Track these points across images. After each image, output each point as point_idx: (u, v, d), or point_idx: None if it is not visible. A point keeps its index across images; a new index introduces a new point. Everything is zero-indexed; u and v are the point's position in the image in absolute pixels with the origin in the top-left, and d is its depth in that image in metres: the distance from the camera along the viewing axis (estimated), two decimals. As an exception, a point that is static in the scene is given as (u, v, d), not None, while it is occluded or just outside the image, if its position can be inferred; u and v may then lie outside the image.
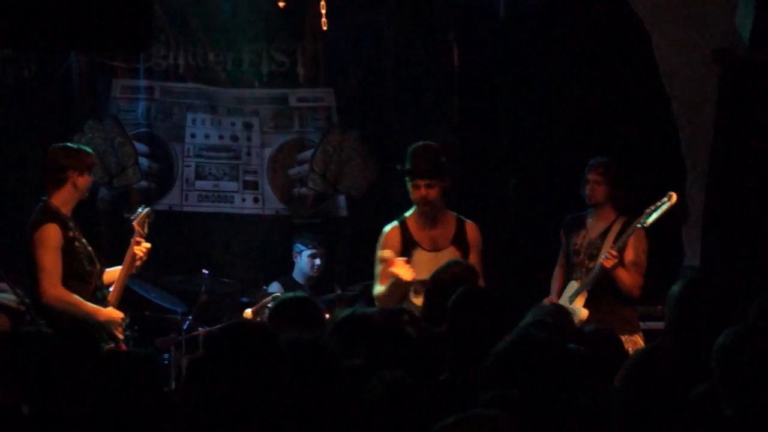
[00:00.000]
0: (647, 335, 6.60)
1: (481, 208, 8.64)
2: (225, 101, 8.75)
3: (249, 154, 8.81)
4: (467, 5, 8.51)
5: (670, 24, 8.04)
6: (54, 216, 5.89)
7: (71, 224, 6.00)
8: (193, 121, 8.72)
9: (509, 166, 8.57)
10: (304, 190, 8.87)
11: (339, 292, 7.78)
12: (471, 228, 6.32)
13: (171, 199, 8.70)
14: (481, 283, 5.65)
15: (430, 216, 6.20)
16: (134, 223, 6.17)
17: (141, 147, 8.64)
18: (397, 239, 6.21)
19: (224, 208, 8.78)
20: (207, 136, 8.74)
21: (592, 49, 8.27)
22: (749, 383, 2.91)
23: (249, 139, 8.80)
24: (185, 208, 8.72)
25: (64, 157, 6.03)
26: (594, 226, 6.61)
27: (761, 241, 7.73)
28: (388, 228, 6.30)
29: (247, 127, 8.80)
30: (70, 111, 8.46)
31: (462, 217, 6.38)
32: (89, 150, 6.27)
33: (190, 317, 7.69)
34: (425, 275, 5.58)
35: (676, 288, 4.22)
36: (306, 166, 8.85)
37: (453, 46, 8.61)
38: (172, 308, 7.86)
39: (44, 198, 6.02)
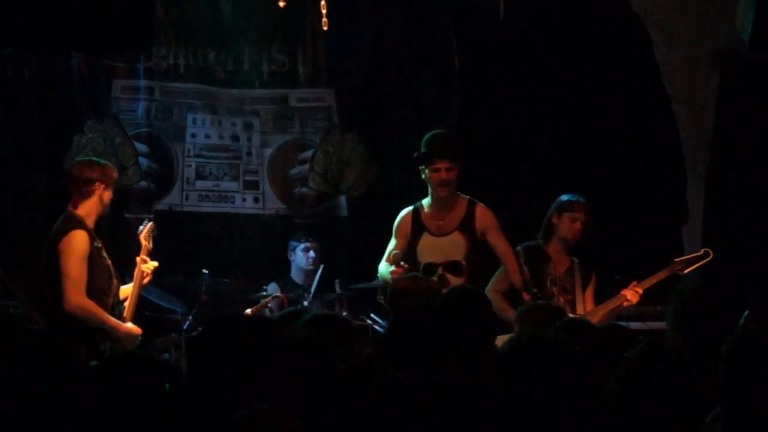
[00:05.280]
0: (647, 336, 6.59)
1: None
2: (225, 101, 8.75)
3: (249, 154, 8.81)
4: (467, 5, 8.51)
5: (670, 24, 8.04)
6: (80, 224, 5.85)
7: (96, 236, 5.98)
8: (194, 121, 8.72)
9: (509, 166, 8.56)
10: (304, 190, 8.87)
11: (339, 292, 7.76)
12: (480, 211, 6.58)
13: (171, 199, 8.69)
14: (514, 266, 6.22)
15: (443, 201, 6.52)
16: (141, 237, 6.14)
17: (141, 147, 8.63)
18: (408, 224, 6.64)
19: (224, 208, 8.78)
20: (207, 136, 8.74)
21: (592, 49, 8.27)
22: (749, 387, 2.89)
23: (249, 139, 8.80)
24: (185, 208, 8.72)
25: (91, 170, 5.99)
26: (559, 261, 6.63)
27: (761, 241, 7.73)
28: (403, 213, 6.69)
29: (248, 127, 8.80)
30: (70, 111, 8.45)
31: (474, 201, 6.67)
32: (113, 165, 6.27)
33: (190, 317, 7.66)
34: (428, 258, 6.44)
35: (682, 286, 4.21)
36: (306, 166, 8.85)
37: (453, 46, 8.61)
38: (172, 308, 7.83)
39: (69, 208, 5.99)
